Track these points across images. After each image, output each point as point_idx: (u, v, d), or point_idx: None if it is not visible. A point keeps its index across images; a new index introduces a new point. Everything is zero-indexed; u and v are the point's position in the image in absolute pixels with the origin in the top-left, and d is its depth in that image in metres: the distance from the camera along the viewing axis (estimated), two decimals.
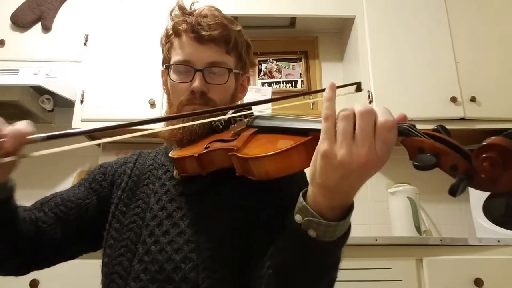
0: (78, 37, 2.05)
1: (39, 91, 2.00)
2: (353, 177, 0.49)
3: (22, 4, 2.10)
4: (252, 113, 0.81)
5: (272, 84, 2.31)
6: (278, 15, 2.20)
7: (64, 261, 0.86)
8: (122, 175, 0.89)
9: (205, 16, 0.84)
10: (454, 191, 0.44)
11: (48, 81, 1.91)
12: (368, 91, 1.94)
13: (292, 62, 2.37)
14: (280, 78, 2.33)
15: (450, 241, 1.52)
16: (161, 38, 0.92)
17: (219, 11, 0.87)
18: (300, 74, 2.34)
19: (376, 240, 1.50)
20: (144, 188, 0.85)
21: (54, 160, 2.18)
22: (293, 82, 2.32)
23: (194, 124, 0.79)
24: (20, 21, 2.07)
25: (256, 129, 0.73)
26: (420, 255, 1.49)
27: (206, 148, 0.72)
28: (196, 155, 0.71)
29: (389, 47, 2.00)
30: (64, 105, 2.08)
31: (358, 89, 0.82)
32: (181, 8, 0.87)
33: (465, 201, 1.94)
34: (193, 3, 0.88)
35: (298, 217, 0.55)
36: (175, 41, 0.86)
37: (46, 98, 2.04)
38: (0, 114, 2.34)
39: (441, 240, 1.53)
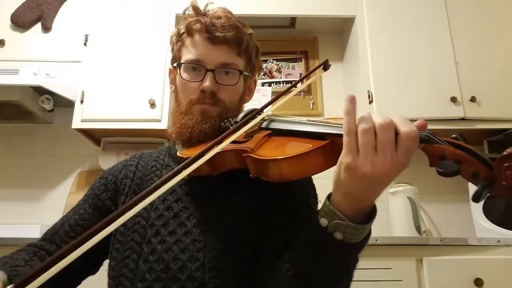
0: (78, 37, 2.05)
1: (39, 91, 2.00)
2: (376, 185, 0.52)
3: (22, 4, 2.10)
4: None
5: (272, 84, 2.32)
6: (278, 15, 2.20)
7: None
8: (125, 180, 0.89)
9: (219, 18, 0.85)
10: (477, 198, 0.46)
11: (48, 81, 1.91)
12: (368, 91, 1.94)
13: (292, 62, 2.37)
14: (280, 78, 2.33)
15: (450, 241, 1.52)
16: (171, 36, 0.92)
17: (232, 14, 0.88)
18: (300, 74, 2.34)
19: (376, 240, 1.49)
20: None
21: (54, 160, 2.18)
22: (293, 82, 2.32)
23: (205, 125, 0.80)
24: (20, 21, 2.07)
25: (269, 131, 0.72)
26: (420, 255, 1.49)
27: None
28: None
29: (389, 47, 2.00)
30: (64, 105, 2.08)
31: (326, 67, 0.83)
32: (195, 8, 0.87)
33: (465, 201, 1.94)
34: (207, 4, 0.88)
35: (323, 221, 0.56)
36: (187, 40, 0.87)
37: (46, 98, 2.04)
38: (0, 114, 2.35)
39: (441, 240, 1.52)
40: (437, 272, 1.46)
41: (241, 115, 0.81)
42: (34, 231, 1.75)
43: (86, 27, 2.07)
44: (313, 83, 2.30)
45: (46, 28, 2.08)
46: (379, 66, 1.97)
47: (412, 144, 0.50)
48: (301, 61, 2.37)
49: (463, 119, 1.89)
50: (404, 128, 0.50)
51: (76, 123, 1.90)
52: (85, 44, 2.03)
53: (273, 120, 0.74)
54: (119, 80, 1.95)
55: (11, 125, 2.19)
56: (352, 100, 0.53)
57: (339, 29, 2.39)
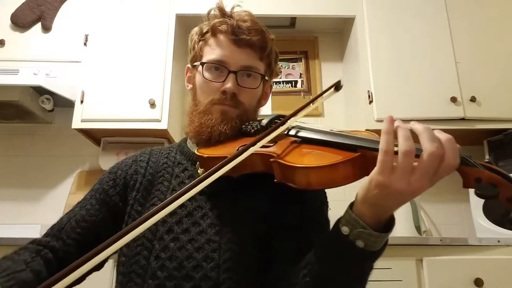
0: (78, 37, 2.05)
1: (39, 91, 2.00)
2: (406, 200, 0.54)
3: (22, 4, 2.10)
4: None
5: (272, 84, 2.31)
6: (278, 15, 2.19)
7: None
8: (135, 175, 0.88)
9: (245, 21, 0.85)
10: None
11: (48, 81, 1.91)
12: (368, 91, 1.94)
13: (292, 62, 2.37)
14: (280, 78, 2.33)
15: (450, 241, 1.52)
16: (192, 35, 0.92)
17: (256, 18, 0.89)
18: (300, 74, 2.34)
19: None
20: (159, 186, 0.84)
21: (54, 160, 2.18)
22: (293, 82, 2.32)
23: (225, 126, 0.81)
24: (20, 21, 2.07)
25: (297, 138, 0.72)
26: (420, 255, 1.49)
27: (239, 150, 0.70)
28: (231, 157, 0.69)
29: (389, 47, 2.00)
30: (64, 105, 2.08)
31: (337, 88, 0.82)
32: (221, 10, 0.88)
33: (465, 201, 1.94)
34: (233, 7, 0.89)
35: (345, 229, 0.57)
36: (211, 40, 0.87)
37: (46, 98, 2.04)
38: (0, 114, 2.35)
39: (441, 240, 1.52)
40: (437, 272, 1.46)
41: (265, 120, 0.80)
42: (34, 231, 1.75)
43: (86, 27, 2.06)
44: (313, 83, 2.30)
45: (46, 28, 2.08)
46: (379, 66, 1.97)
47: (449, 173, 0.51)
48: (301, 61, 2.37)
49: (463, 119, 1.89)
50: (451, 159, 0.50)
51: (76, 123, 1.90)
52: (85, 44, 2.03)
53: (301, 128, 0.74)
54: (119, 80, 1.95)
55: (11, 125, 2.20)
56: (391, 121, 0.53)
57: (339, 29, 2.39)
